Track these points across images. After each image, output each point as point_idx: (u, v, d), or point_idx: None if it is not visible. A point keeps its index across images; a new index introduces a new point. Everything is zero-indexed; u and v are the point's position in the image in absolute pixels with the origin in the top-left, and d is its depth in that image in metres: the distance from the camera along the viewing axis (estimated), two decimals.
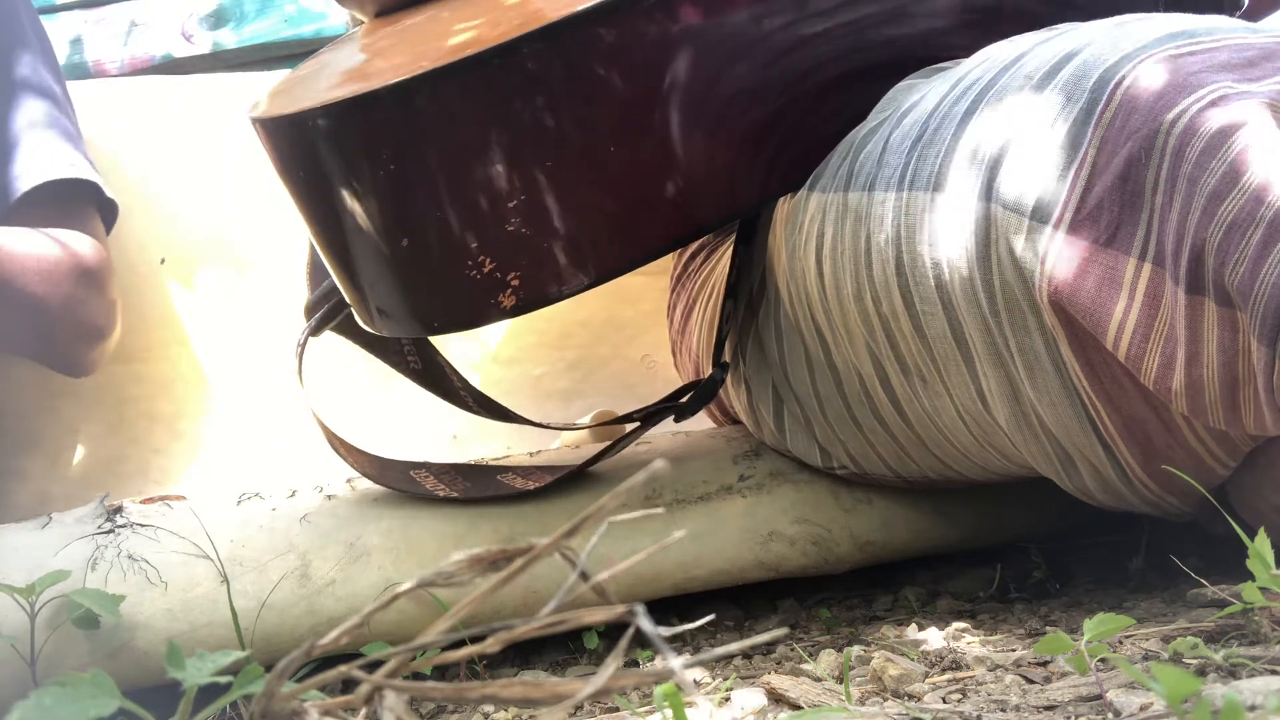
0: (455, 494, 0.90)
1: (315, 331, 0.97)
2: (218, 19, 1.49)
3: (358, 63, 0.89)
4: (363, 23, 1.04)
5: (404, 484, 0.91)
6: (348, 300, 0.89)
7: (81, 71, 1.45)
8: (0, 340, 1.04)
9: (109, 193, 1.10)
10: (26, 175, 1.05)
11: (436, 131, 0.76)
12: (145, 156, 1.23)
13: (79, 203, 1.08)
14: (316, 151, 0.80)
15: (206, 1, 1.49)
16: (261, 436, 1.19)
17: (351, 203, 0.80)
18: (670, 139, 0.78)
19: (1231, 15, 0.89)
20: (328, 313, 0.96)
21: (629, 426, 0.97)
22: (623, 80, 0.77)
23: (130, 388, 1.19)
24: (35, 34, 1.13)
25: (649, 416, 0.96)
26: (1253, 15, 0.93)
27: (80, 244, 1.05)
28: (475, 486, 0.92)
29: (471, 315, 0.82)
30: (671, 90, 0.78)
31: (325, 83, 0.86)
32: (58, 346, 1.05)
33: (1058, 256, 0.64)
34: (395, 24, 0.95)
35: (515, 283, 0.79)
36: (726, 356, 0.96)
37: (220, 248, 1.23)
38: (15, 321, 1.02)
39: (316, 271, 0.98)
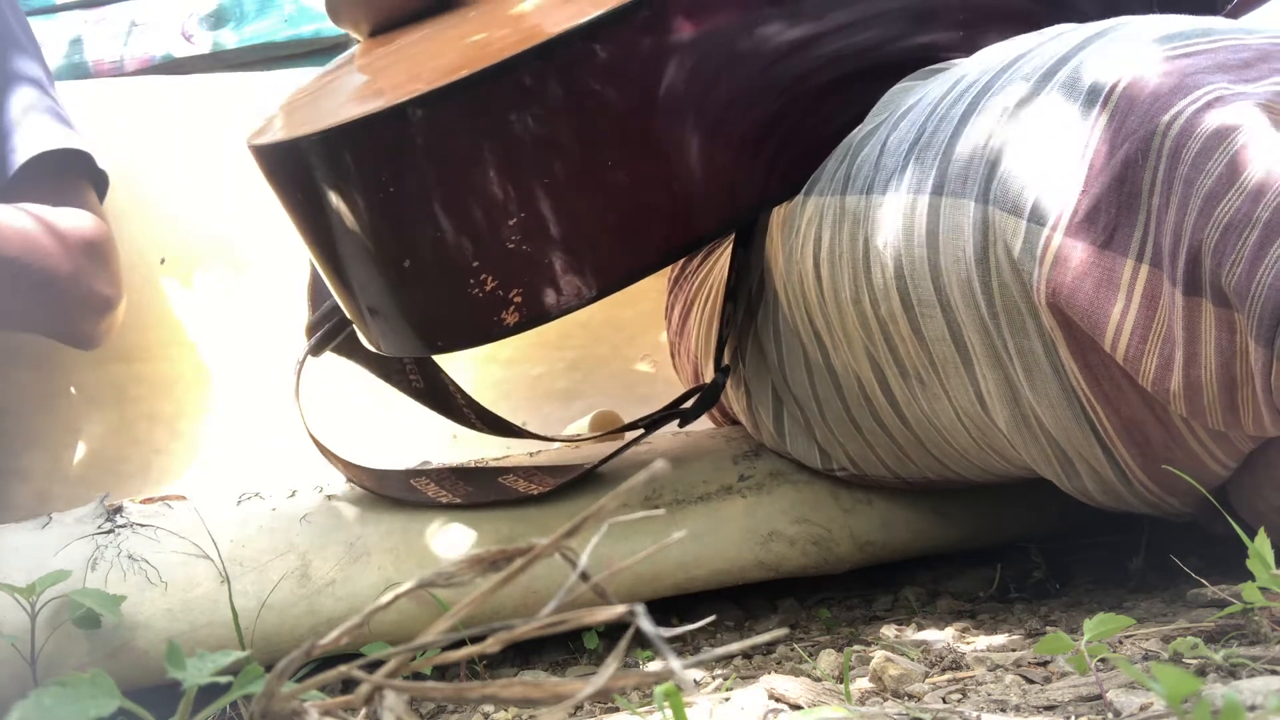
0: (458, 500, 0.90)
1: (315, 352, 0.97)
2: (218, 19, 1.49)
3: (355, 85, 0.89)
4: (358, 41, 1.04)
5: (405, 493, 0.91)
6: (351, 320, 0.89)
7: (81, 71, 1.45)
8: (12, 318, 1.06)
9: (101, 163, 1.12)
10: (20, 151, 1.08)
11: (435, 152, 0.76)
12: (145, 156, 1.23)
13: (72, 175, 1.11)
14: (314, 175, 0.80)
15: (206, 1, 1.49)
16: (261, 436, 1.19)
17: (351, 225, 0.80)
18: (669, 147, 0.78)
19: (1220, 14, 0.89)
20: (328, 333, 0.96)
21: (631, 435, 0.97)
22: (619, 93, 0.77)
23: (130, 388, 1.19)
24: (21, 28, 1.14)
25: (653, 424, 0.96)
26: (1236, 14, 0.92)
27: (81, 219, 1.08)
28: (477, 491, 0.92)
29: (475, 334, 0.82)
30: (668, 100, 0.77)
31: (323, 106, 0.86)
32: (69, 320, 1.08)
33: (1055, 258, 0.64)
34: (391, 44, 0.95)
35: (518, 300, 0.79)
36: (726, 360, 0.96)
37: (220, 248, 1.23)
38: (26, 298, 1.04)
39: (318, 292, 0.98)
